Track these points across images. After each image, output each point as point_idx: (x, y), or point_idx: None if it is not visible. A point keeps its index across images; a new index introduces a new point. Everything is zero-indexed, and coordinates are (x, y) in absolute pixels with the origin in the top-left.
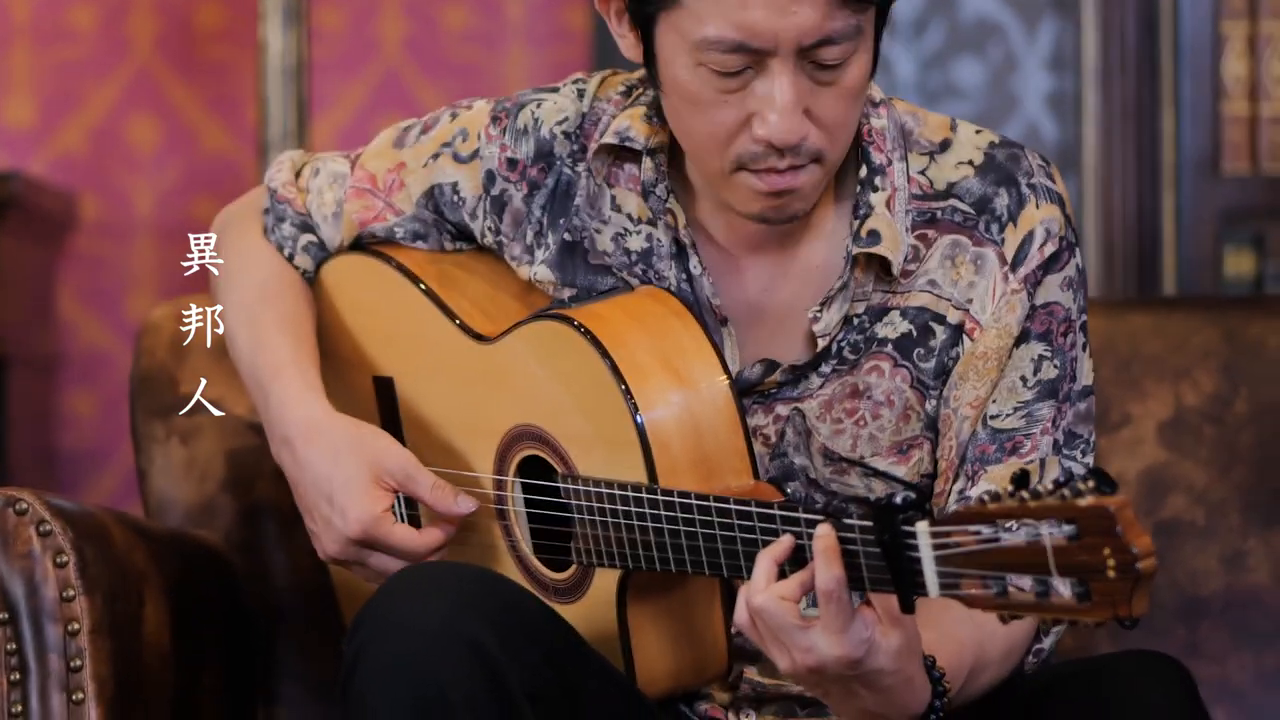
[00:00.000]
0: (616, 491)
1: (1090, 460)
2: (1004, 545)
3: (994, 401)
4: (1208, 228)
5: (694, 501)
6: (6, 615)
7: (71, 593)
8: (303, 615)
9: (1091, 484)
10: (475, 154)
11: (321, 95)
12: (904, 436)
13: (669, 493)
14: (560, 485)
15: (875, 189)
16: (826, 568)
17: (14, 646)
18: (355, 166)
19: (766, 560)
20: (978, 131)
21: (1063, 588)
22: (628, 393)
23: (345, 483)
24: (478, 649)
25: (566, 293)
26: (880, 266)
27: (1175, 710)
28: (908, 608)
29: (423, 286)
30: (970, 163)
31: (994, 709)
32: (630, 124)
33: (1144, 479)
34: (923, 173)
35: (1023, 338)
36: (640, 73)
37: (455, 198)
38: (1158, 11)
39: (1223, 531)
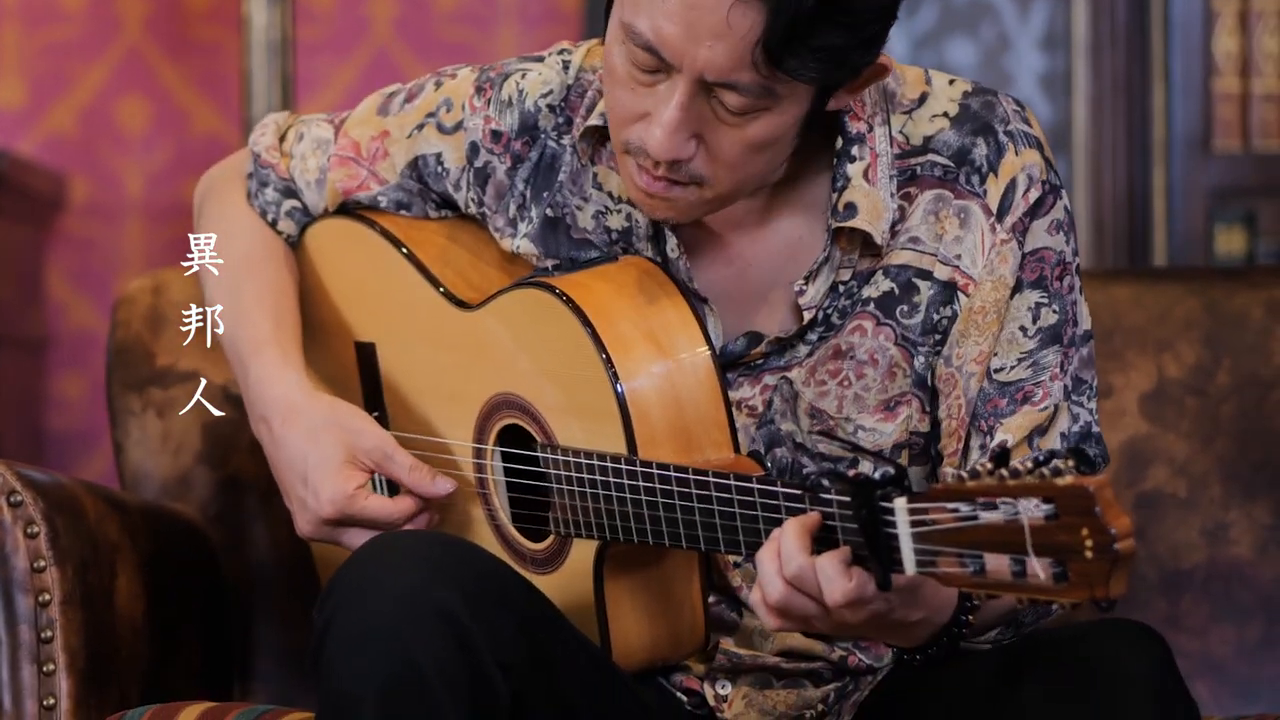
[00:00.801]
0: (595, 462)
1: (1095, 406)
2: (981, 523)
3: (995, 355)
4: (1198, 205)
5: (673, 474)
6: None
7: (42, 563)
8: (280, 588)
9: (1071, 463)
10: (459, 125)
11: (312, 76)
12: (890, 394)
13: (648, 464)
14: (539, 455)
15: (852, 159)
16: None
17: None
18: (339, 133)
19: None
20: (951, 81)
21: (1040, 568)
22: (609, 362)
23: (319, 463)
24: (448, 618)
25: (550, 264)
26: (865, 235)
27: (1152, 678)
28: (884, 585)
29: (405, 251)
30: (945, 114)
31: (972, 675)
32: None
33: (1125, 451)
34: (901, 130)
35: (1016, 288)
36: None
37: (439, 168)
38: None
39: (1204, 504)
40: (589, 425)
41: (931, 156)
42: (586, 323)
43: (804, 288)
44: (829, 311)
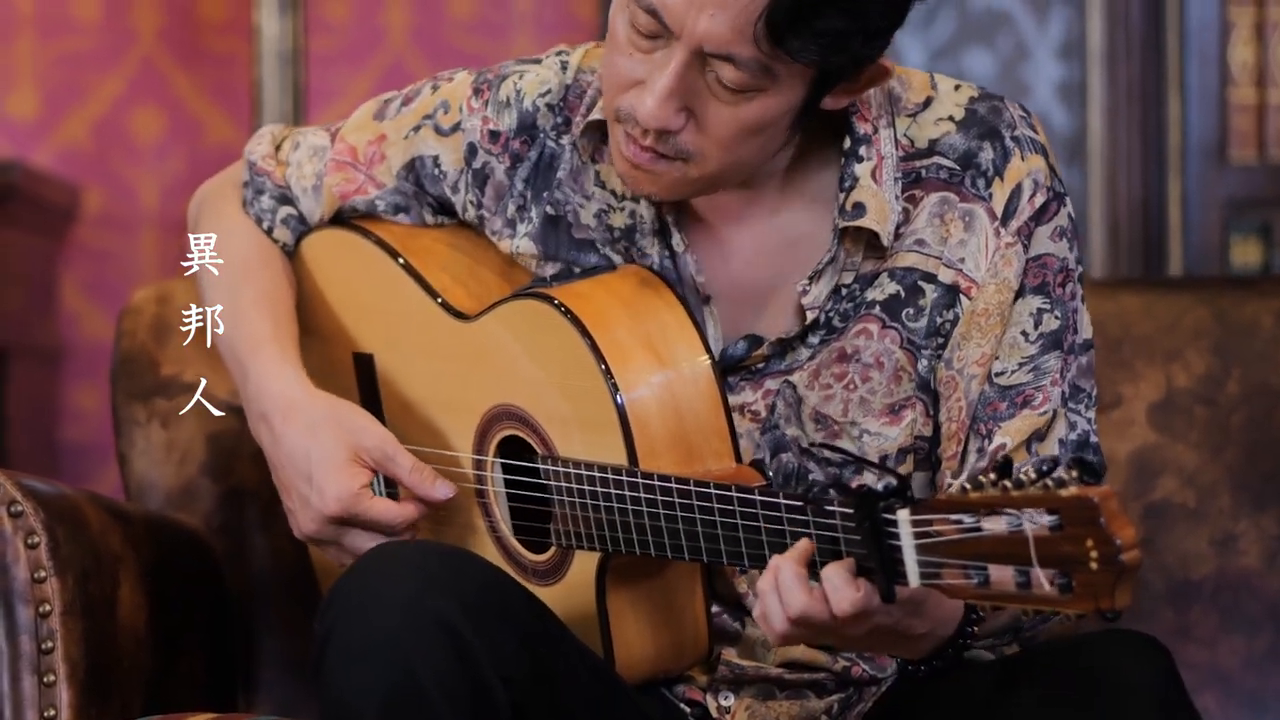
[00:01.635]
0: (596, 473)
1: (1093, 415)
2: (985, 535)
3: (997, 359)
4: (1214, 216)
5: (674, 485)
6: None
7: (43, 574)
8: (284, 598)
9: (1075, 473)
10: (457, 126)
11: (327, 86)
12: (895, 398)
13: (649, 475)
14: (540, 466)
15: (860, 159)
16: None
17: None
18: (335, 139)
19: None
20: (956, 87)
21: (1044, 579)
22: (608, 373)
23: (323, 460)
24: (449, 629)
25: (549, 267)
26: (871, 236)
27: (1155, 689)
28: (888, 597)
29: (403, 262)
30: (951, 118)
31: (975, 685)
32: None
33: (1134, 461)
34: (905, 133)
35: (1019, 293)
36: None
37: (436, 170)
38: None
39: (1213, 514)
40: (589, 436)
41: (937, 159)
42: (585, 333)
43: (807, 287)
44: (830, 314)
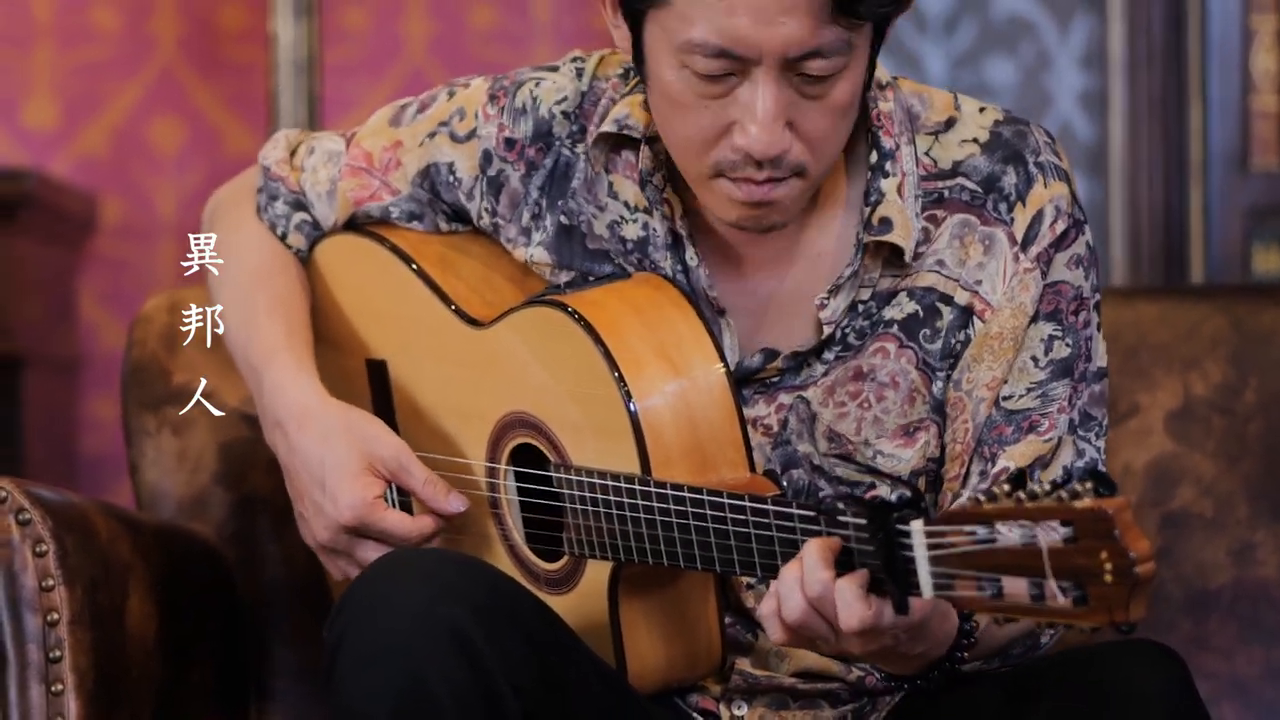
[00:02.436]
0: (609, 482)
1: (1103, 445)
2: (999, 546)
3: (1005, 383)
4: (1236, 224)
5: (687, 495)
6: None
7: (51, 582)
8: (296, 607)
9: (1089, 485)
10: (472, 133)
11: (345, 95)
12: (910, 419)
13: (662, 485)
14: (553, 475)
15: (886, 174)
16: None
17: None
18: (351, 144)
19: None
20: (981, 109)
21: (1058, 591)
22: (621, 381)
23: (337, 468)
24: (460, 636)
25: (564, 276)
26: (890, 253)
27: (1169, 699)
28: (901, 609)
29: (417, 268)
30: (975, 140)
31: (987, 694)
32: (629, 111)
33: (1151, 470)
34: (927, 152)
35: (1033, 318)
36: None
37: (451, 178)
38: (1185, 5)
39: (1231, 524)
40: (602, 444)
41: (960, 180)
42: (599, 341)
43: (826, 300)
44: (847, 331)
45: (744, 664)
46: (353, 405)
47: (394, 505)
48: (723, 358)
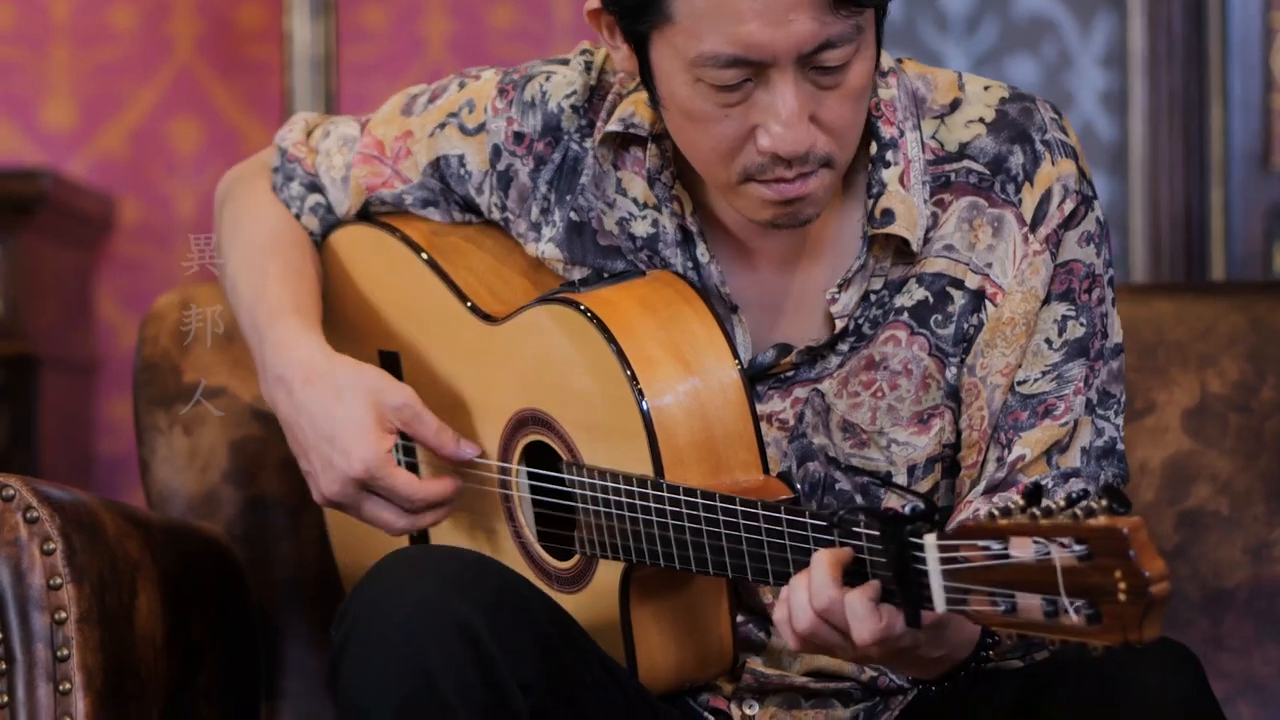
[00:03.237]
0: (621, 485)
1: (1121, 422)
2: (1013, 562)
3: (1020, 367)
4: (1257, 223)
5: (700, 500)
6: None
7: (59, 580)
8: (307, 606)
9: (1105, 503)
10: (482, 127)
11: (363, 95)
12: (924, 406)
13: (674, 488)
14: (565, 475)
15: (887, 164)
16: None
17: (0, 635)
18: (364, 131)
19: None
20: (986, 87)
21: (1072, 609)
22: (634, 380)
23: (347, 422)
24: (467, 633)
25: (576, 272)
26: (901, 243)
27: (1184, 698)
28: (913, 621)
29: (430, 261)
30: (981, 120)
31: (1001, 692)
32: (634, 109)
33: (1168, 468)
34: (934, 136)
35: (1045, 300)
36: None
37: (461, 170)
38: (1206, 3)
39: (1248, 521)
40: (614, 444)
41: (967, 163)
42: (612, 340)
43: (836, 295)
44: (860, 321)
45: (755, 663)
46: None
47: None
48: (737, 357)
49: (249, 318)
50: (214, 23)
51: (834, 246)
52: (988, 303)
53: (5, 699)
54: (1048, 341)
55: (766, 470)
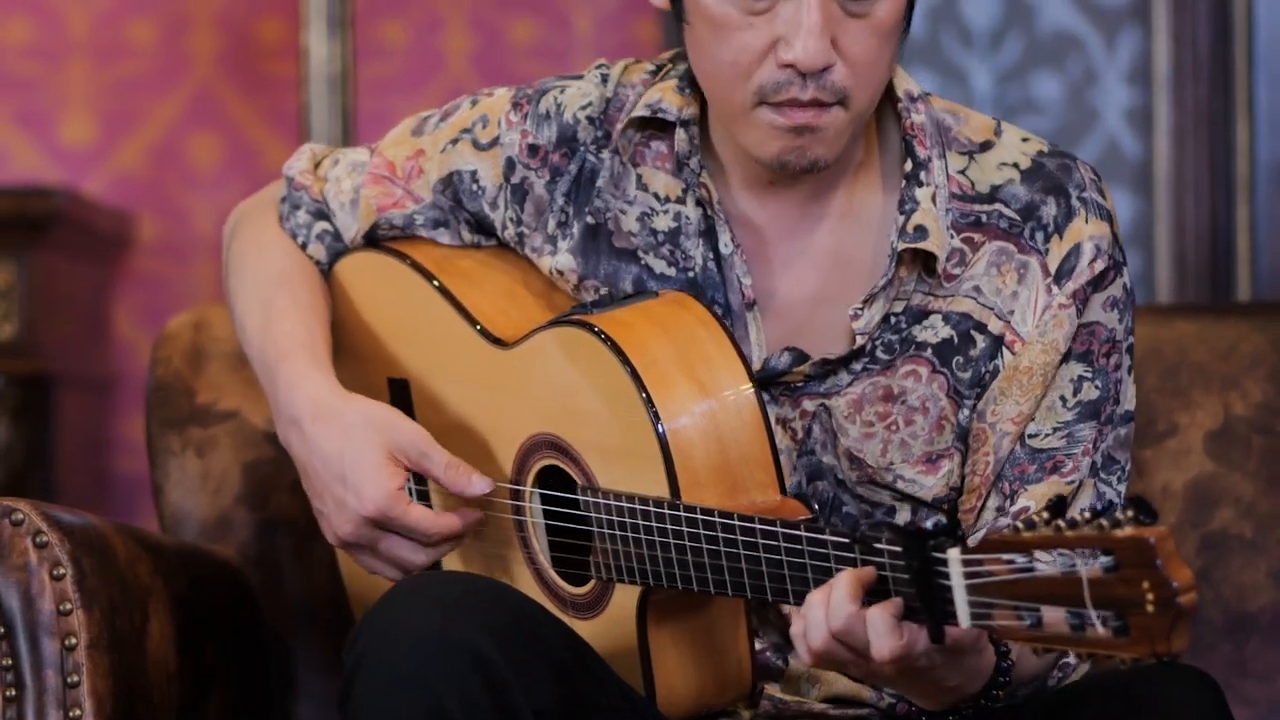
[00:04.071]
0: (637, 506)
1: (1124, 489)
2: (1038, 575)
3: (1033, 420)
4: None
5: (717, 520)
6: (1, 629)
7: (69, 606)
8: (320, 632)
9: (1131, 514)
10: (495, 141)
11: (382, 112)
12: (936, 447)
13: (691, 509)
14: (579, 498)
15: (921, 183)
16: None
17: (9, 662)
18: (374, 154)
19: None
20: (1025, 139)
21: (1098, 621)
22: (649, 402)
23: (358, 461)
24: (480, 660)
25: (588, 284)
26: (924, 265)
27: None
28: (937, 638)
29: (440, 286)
30: (1015, 166)
31: (1022, 717)
32: (662, 96)
33: (1191, 491)
34: (963, 172)
35: (1064, 357)
36: (668, 54)
37: (474, 186)
38: (1232, 17)
39: (1272, 545)
40: (630, 467)
41: (999, 207)
42: (626, 362)
43: (859, 311)
44: (877, 343)
45: (774, 689)
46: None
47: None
48: (752, 379)
49: (259, 357)
50: (234, 38)
51: (857, 262)
52: (1005, 350)
53: None
54: (1062, 399)
55: (784, 491)
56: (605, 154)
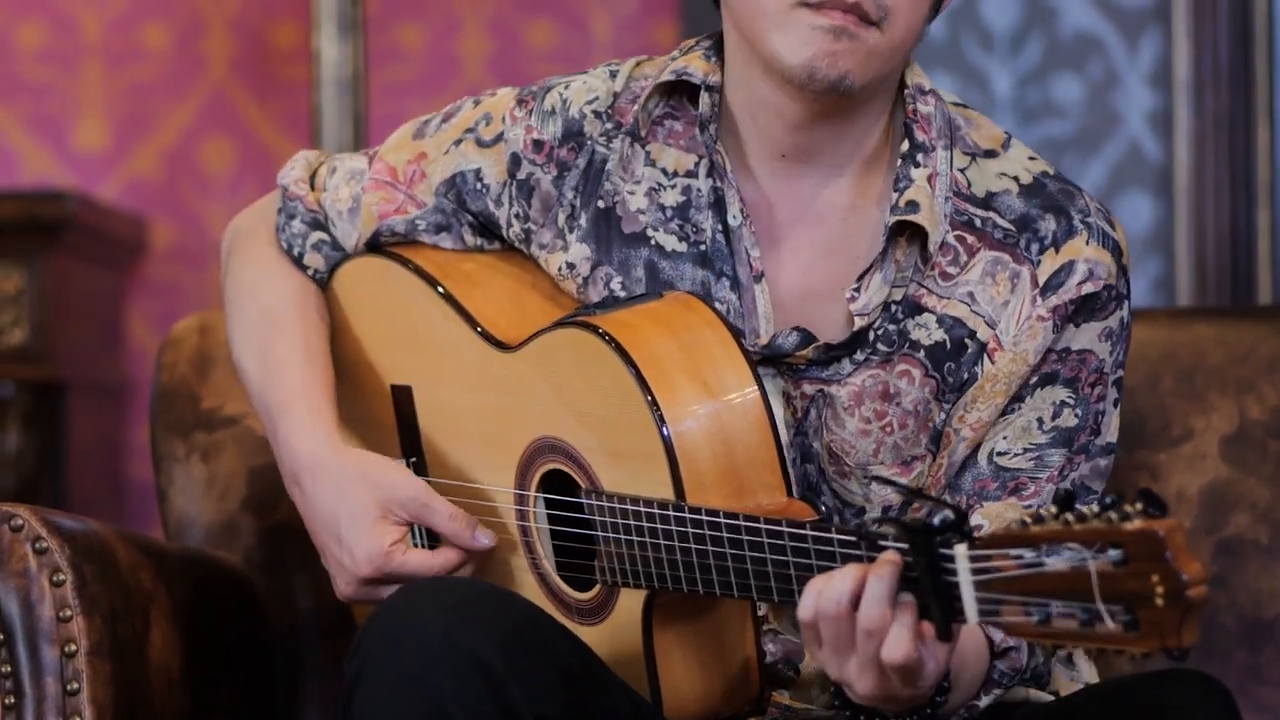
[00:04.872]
0: (642, 509)
1: None
2: (1047, 571)
3: (1004, 438)
4: None
5: (723, 520)
6: (1, 636)
7: (69, 612)
8: (327, 639)
9: (1140, 506)
10: (499, 137)
11: (399, 116)
12: (915, 450)
13: (696, 510)
14: (583, 501)
15: (917, 164)
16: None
17: (8, 669)
18: (374, 161)
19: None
20: (1031, 158)
21: (1108, 615)
22: (654, 404)
23: (351, 520)
24: (482, 667)
25: (600, 274)
26: (920, 250)
27: None
28: (945, 635)
29: (442, 291)
30: (1015, 179)
31: None
32: (688, 64)
33: (1206, 496)
34: (963, 171)
35: (1050, 379)
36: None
37: (479, 185)
38: (1252, 23)
39: None
40: (634, 469)
41: (993, 216)
42: (630, 363)
43: (855, 293)
44: (879, 332)
45: (781, 697)
46: (375, 441)
47: (422, 541)
48: (758, 380)
49: (259, 403)
50: (248, 42)
51: (857, 247)
52: (987, 358)
53: None
54: (1039, 421)
55: (791, 493)
56: (615, 144)
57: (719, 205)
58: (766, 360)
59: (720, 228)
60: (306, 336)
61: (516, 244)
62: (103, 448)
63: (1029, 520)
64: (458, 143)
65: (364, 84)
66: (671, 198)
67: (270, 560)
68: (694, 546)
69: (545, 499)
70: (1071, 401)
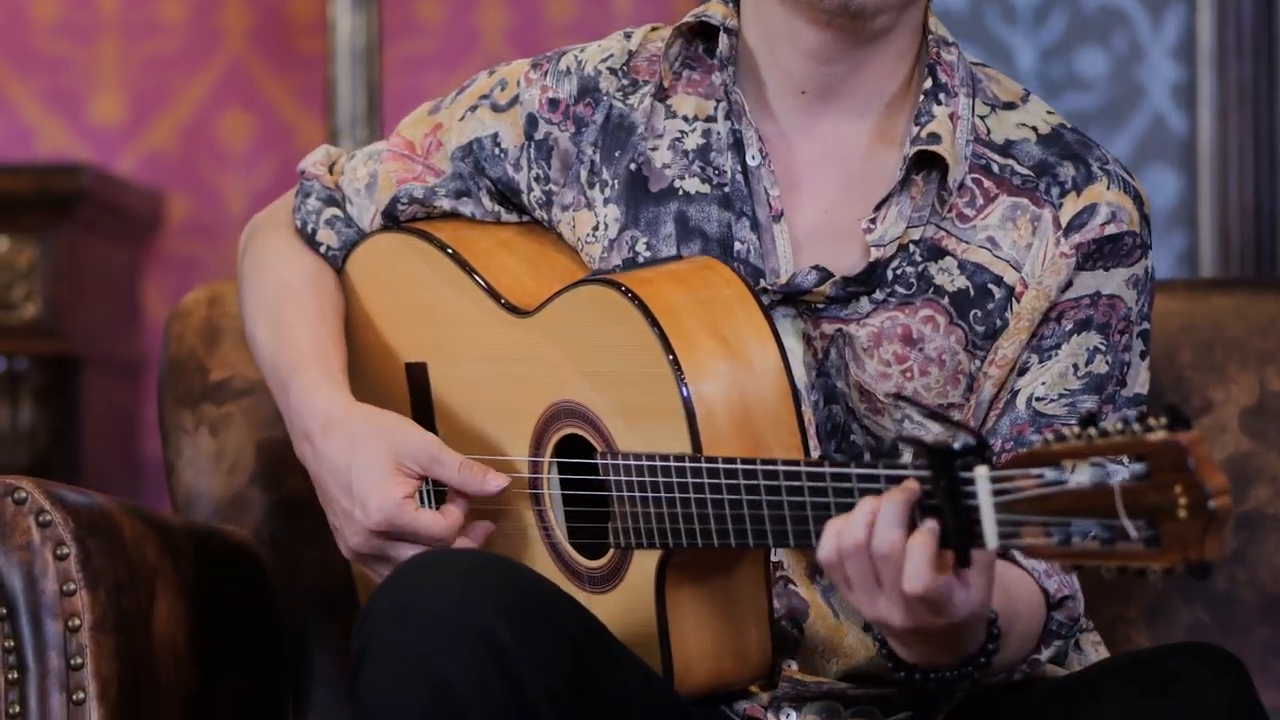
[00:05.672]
0: (657, 464)
1: None
2: (1069, 489)
3: (1043, 384)
4: None
5: (739, 466)
6: (4, 610)
7: (72, 586)
8: (336, 614)
9: (1164, 420)
10: (515, 100)
11: (417, 89)
12: (949, 400)
13: (712, 460)
14: (598, 463)
15: (939, 102)
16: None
17: (12, 644)
18: (391, 138)
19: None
20: (1049, 112)
21: (1131, 529)
22: (675, 363)
23: (363, 472)
24: (489, 639)
25: (626, 237)
26: (940, 186)
27: (1230, 704)
28: (964, 562)
29: (455, 256)
30: (1034, 129)
31: (1044, 698)
32: (706, 8)
33: (1226, 469)
34: (983, 119)
35: (1085, 325)
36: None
37: (496, 150)
38: None
39: None
40: (652, 427)
41: (1011, 163)
42: (652, 320)
43: (871, 225)
44: (898, 273)
45: (791, 670)
46: (382, 409)
47: (431, 503)
48: (778, 340)
49: (272, 372)
50: (265, 14)
51: (877, 186)
52: (1014, 301)
53: (17, 709)
54: (1074, 367)
55: (808, 454)
56: (633, 99)
57: (738, 146)
58: (786, 300)
59: (739, 168)
60: (321, 307)
61: (538, 209)
62: (118, 424)
63: (1051, 438)
64: (473, 109)
65: (378, 56)
66: (692, 141)
67: (279, 534)
68: (709, 497)
69: (559, 463)
70: (1103, 348)
